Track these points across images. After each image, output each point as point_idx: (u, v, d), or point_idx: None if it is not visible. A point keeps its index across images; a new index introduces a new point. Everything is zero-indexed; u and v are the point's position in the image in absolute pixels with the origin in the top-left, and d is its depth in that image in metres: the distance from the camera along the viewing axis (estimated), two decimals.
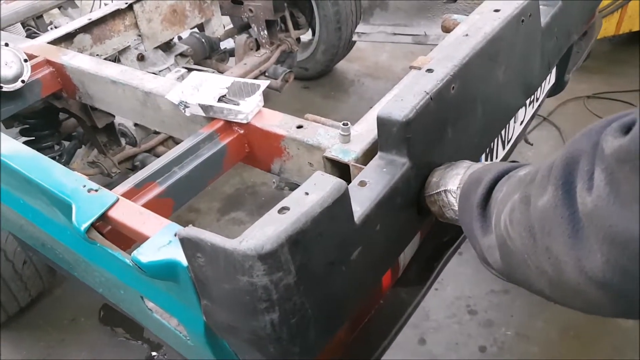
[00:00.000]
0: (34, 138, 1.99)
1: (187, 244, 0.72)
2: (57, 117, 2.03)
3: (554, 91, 1.95)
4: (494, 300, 2.09)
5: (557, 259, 0.56)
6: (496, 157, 1.54)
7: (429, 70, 0.97)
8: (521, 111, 1.60)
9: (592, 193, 0.50)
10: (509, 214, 0.67)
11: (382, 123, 0.91)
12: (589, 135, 0.53)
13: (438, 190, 0.96)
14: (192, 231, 0.71)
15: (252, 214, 2.67)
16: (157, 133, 2.11)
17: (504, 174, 0.79)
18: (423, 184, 1.00)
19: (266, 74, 2.54)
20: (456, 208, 0.93)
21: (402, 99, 0.91)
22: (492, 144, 1.46)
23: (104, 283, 1.15)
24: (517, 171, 0.77)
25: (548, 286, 0.63)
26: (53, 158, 2.00)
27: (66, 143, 2.15)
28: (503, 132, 1.52)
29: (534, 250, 0.61)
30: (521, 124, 1.67)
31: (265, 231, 0.68)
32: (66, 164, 2.06)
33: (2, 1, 2.14)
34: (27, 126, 1.97)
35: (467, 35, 1.05)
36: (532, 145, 2.74)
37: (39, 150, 1.95)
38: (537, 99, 1.75)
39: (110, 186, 2.03)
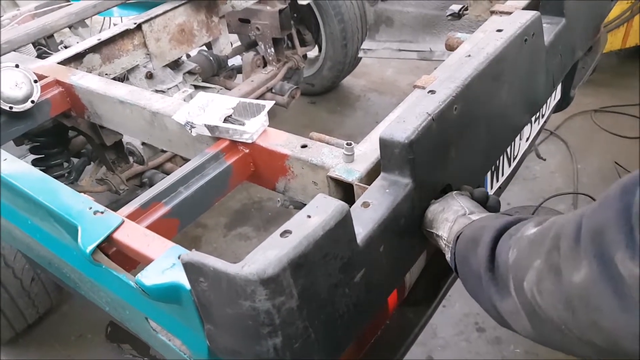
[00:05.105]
0: (43, 156, 2.02)
1: (190, 268, 0.72)
2: (66, 135, 2.05)
3: (559, 107, 1.94)
4: None
5: (611, 333, 0.55)
6: (502, 175, 1.54)
7: (431, 92, 0.97)
8: (527, 128, 1.60)
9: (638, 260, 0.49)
10: (537, 284, 0.65)
11: (385, 144, 0.92)
12: (608, 204, 0.53)
13: (431, 231, 0.97)
14: (195, 256, 0.71)
15: (259, 229, 2.67)
16: (164, 151, 2.12)
17: (502, 232, 0.78)
18: (427, 204, 1.00)
19: (273, 91, 2.56)
20: (448, 257, 0.93)
21: (405, 120, 0.91)
22: (497, 161, 1.46)
23: (110, 302, 1.16)
24: (518, 229, 0.74)
25: (595, 353, 0.62)
26: (62, 175, 2.03)
27: (75, 160, 2.17)
28: (509, 150, 1.52)
29: (577, 324, 0.60)
30: (527, 140, 1.66)
31: (267, 255, 0.68)
32: (75, 181, 2.08)
33: (14, 22, 2.18)
34: (37, 144, 1.99)
35: (469, 55, 1.06)
36: (544, 160, 2.74)
37: (48, 167, 2.00)
38: (543, 115, 1.75)
39: (118, 203, 2.06)
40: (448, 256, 0.92)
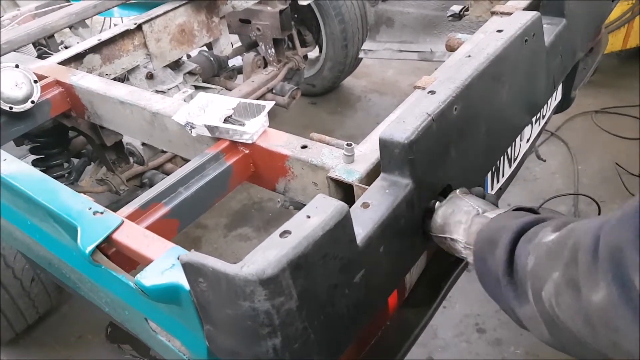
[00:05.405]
0: (43, 156, 2.02)
1: (189, 269, 0.72)
2: (67, 135, 2.05)
3: (560, 108, 1.94)
4: (503, 318, 2.06)
5: (631, 354, 0.55)
6: (502, 175, 1.54)
7: (431, 92, 0.97)
8: (527, 129, 1.60)
9: None
10: (555, 297, 0.64)
11: (384, 145, 0.92)
12: (626, 223, 0.52)
13: (444, 236, 0.95)
14: (194, 256, 0.71)
15: (259, 230, 2.67)
16: (164, 152, 2.12)
17: (520, 234, 0.77)
18: (427, 205, 1.00)
19: (273, 91, 2.56)
20: (464, 255, 0.91)
21: (404, 121, 0.91)
22: (498, 162, 1.46)
23: (109, 303, 1.16)
24: (536, 234, 0.74)
25: None
26: (62, 176, 2.03)
27: (75, 160, 2.17)
28: (509, 150, 1.52)
29: (596, 341, 0.60)
30: (527, 141, 1.66)
31: (266, 256, 0.68)
32: (75, 181, 2.08)
33: (14, 22, 2.18)
34: (37, 144, 1.99)
35: (469, 56, 1.06)
36: (544, 161, 2.73)
37: (48, 168, 2.00)
38: (544, 116, 1.75)
39: (118, 203, 2.06)
40: (471, 259, 0.89)
